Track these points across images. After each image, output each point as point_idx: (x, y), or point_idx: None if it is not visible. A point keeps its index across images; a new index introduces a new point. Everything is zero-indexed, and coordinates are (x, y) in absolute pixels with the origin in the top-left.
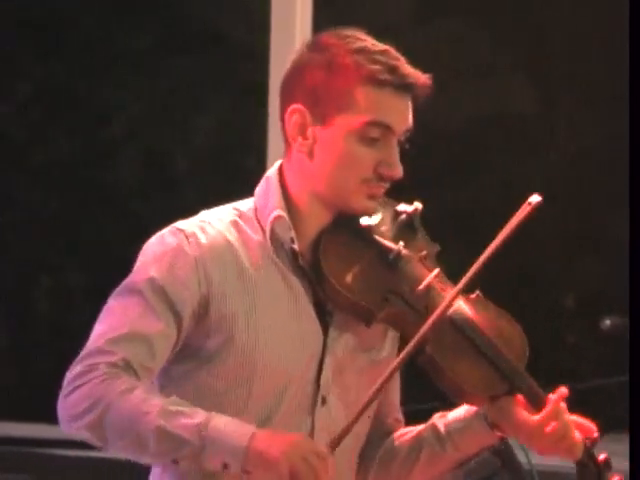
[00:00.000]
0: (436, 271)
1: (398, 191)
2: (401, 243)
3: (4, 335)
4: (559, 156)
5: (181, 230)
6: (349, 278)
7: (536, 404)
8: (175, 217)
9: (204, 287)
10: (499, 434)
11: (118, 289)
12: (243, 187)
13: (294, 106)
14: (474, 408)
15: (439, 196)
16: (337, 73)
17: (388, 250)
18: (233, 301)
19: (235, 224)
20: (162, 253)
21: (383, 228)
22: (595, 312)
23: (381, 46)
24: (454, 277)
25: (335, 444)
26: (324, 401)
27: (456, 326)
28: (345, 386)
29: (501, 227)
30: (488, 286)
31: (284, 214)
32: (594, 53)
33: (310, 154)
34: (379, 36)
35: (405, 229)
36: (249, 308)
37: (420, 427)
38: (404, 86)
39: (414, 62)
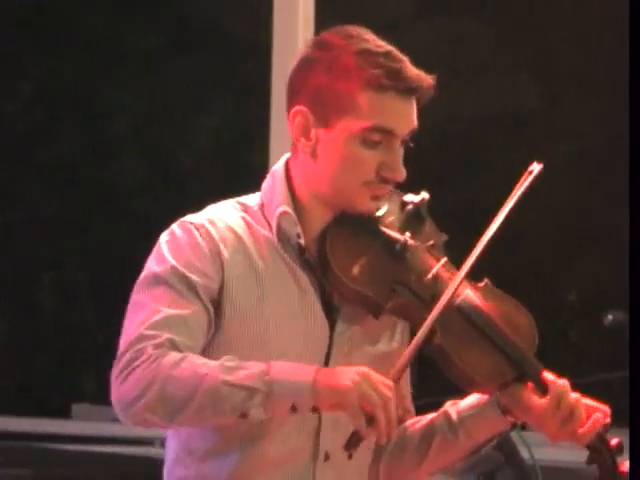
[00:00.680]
0: (443, 260)
1: (399, 190)
2: (407, 234)
3: (7, 332)
4: (561, 154)
5: (191, 223)
6: (356, 270)
7: (544, 389)
8: (178, 215)
9: (218, 276)
10: (511, 419)
11: (140, 284)
12: (247, 185)
13: (297, 107)
14: (485, 395)
15: (439, 195)
16: (339, 76)
17: (394, 241)
18: (244, 291)
19: (243, 219)
20: (177, 245)
21: (390, 219)
22: (598, 308)
23: (385, 47)
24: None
25: (396, 377)
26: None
27: (464, 314)
28: None
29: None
30: (492, 283)
31: (289, 210)
32: (596, 51)
33: (314, 155)
34: (381, 33)
35: (412, 219)
36: (259, 298)
37: (431, 416)
38: (407, 90)
39: (415, 59)
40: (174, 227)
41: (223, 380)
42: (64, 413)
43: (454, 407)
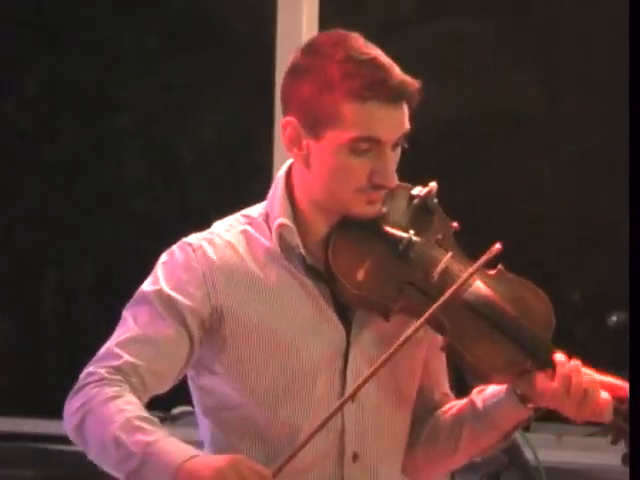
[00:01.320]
0: (449, 254)
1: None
2: (411, 231)
3: (10, 331)
4: (562, 154)
5: (189, 244)
6: (359, 275)
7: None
8: (181, 213)
9: (214, 299)
10: (531, 406)
11: (131, 300)
12: (250, 183)
13: (288, 118)
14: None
15: (439, 194)
16: (324, 88)
17: (398, 240)
18: (245, 311)
19: (245, 232)
20: (171, 268)
21: (396, 216)
22: (602, 309)
23: (370, 54)
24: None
25: (278, 471)
26: (353, 397)
27: (471, 308)
28: (380, 380)
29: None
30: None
31: (287, 221)
32: (597, 51)
33: (307, 164)
34: (383, 32)
35: (419, 213)
36: (263, 317)
37: (462, 402)
38: (390, 98)
39: (416, 59)
40: (174, 247)
41: (116, 435)
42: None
43: (480, 396)
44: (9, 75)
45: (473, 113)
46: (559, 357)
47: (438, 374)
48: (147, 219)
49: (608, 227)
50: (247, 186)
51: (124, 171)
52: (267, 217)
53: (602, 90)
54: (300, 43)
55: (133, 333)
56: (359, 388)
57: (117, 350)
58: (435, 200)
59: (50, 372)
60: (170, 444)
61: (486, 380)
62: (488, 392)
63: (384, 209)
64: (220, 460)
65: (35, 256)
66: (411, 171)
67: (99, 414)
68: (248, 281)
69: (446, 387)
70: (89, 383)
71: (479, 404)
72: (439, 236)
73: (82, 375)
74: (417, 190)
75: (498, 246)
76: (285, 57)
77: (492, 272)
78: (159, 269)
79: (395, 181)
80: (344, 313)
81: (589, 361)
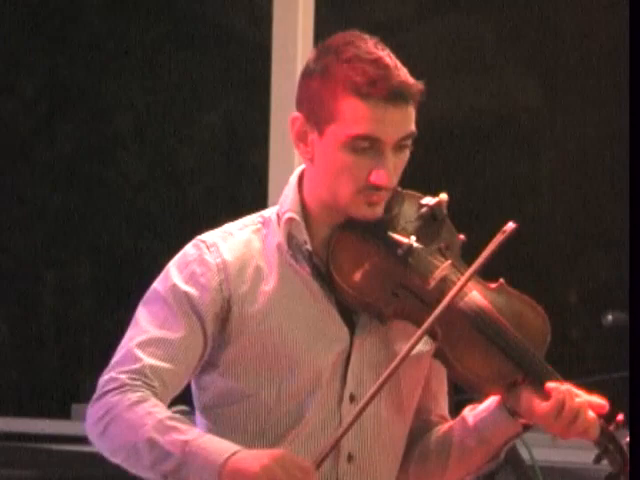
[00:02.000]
0: (448, 262)
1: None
2: (413, 237)
3: (10, 330)
4: (560, 154)
5: (203, 241)
6: (356, 276)
7: (547, 394)
8: (180, 212)
9: (226, 291)
10: (522, 421)
11: (144, 298)
12: (247, 182)
13: (295, 114)
14: (497, 398)
15: (438, 193)
16: (327, 84)
17: (398, 245)
18: (253, 305)
19: (257, 231)
20: (185, 263)
21: (402, 222)
22: (598, 307)
23: (375, 54)
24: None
25: (320, 462)
26: (352, 398)
27: (465, 316)
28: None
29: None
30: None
31: (296, 216)
32: (597, 52)
33: (312, 161)
34: (381, 31)
35: (426, 222)
36: (269, 311)
37: (453, 422)
38: (390, 96)
39: (415, 57)
40: (188, 245)
41: (150, 437)
42: (64, 413)
43: (471, 412)
44: (9, 74)
45: (474, 110)
46: (552, 384)
47: (437, 395)
48: (146, 217)
49: (605, 227)
50: (244, 184)
51: (123, 169)
52: (279, 218)
53: (599, 90)
54: (296, 43)
55: (150, 334)
56: (378, 391)
57: (136, 352)
58: (444, 211)
59: (48, 373)
60: (209, 441)
61: (475, 390)
62: (479, 408)
63: (390, 214)
64: (265, 456)
65: (34, 256)
66: (412, 170)
67: (126, 420)
68: (257, 277)
69: (444, 410)
70: (110, 390)
71: (470, 420)
72: (442, 245)
73: (102, 381)
74: (427, 200)
75: (511, 224)
76: (281, 57)
77: (493, 285)
78: (172, 266)
79: (394, 182)
80: (348, 316)
81: (586, 360)
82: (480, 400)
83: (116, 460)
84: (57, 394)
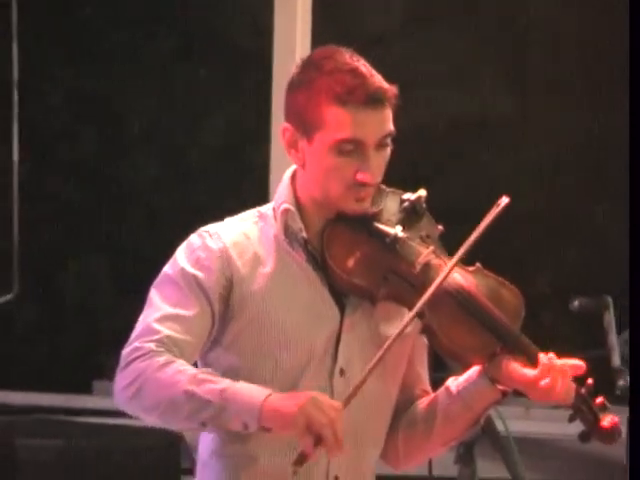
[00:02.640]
0: (430, 248)
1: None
2: (398, 227)
3: (37, 313)
4: (532, 154)
5: (206, 231)
6: (349, 262)
7: (530, 360)
8: (188, 208)
9: (228, 272)
10: (501, 388)
11: (156, 282)
12: (250, 181)
13: (285, 125)
14: (478, 368)
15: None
16: (312, 96)
17: (385, 235)
18: (252, 285)
19: (255, 224)
20: (191, 250)
21: (387, 215)
22: (568, 294)
23: (352, 64)
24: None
25: (348, 401)
26: (342, 373)
27: (449, 294)
28: (368, 359)
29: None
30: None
31: (291, 207)
32: (571, 57)
33: (303, 165)
34: (372, 42)
35: (408, 215)
36: (267, 292)
37: (437, 392)
38: (367, 102)
39: (404, 67)
40: (192, 235)
41: (187, 389)
42: (86, 389)
43: (455, 382)
44: (36, 84)
45: (455, 117)
46: (542, 357)
47: (420, 372)
48: (158, 214)
49: (576, 215)
50: (247, 183)
51: (137, 170)
52: (274, 211)
53: (569, 96)
54: (294, 52)
55: (165, 311)
56: (370, 372)
57: (155, 326)
58: (424, 205)
59: (72, 353)
60: (243, 387)
61: (459, 360)
62: (462, 377)
63: (376, 208)
64: (300, 396)
65: (58, 247)
66: (397, 172)
67: (159, 379)
68: (256, 262)
69: (426, 385)
70: (137, 357)
71: (453, 388)
72: (423, 234)
73: (126, 352)
74: (408, 195)
75: (505, 199)
76: (281, 67)
77: (471, 268)
78: (179, 253)
79: (378, 179)
80: (339, 299)
81: (556, 342)
82: (458, 374)
83: (150, 417)
84: (80, 371)
